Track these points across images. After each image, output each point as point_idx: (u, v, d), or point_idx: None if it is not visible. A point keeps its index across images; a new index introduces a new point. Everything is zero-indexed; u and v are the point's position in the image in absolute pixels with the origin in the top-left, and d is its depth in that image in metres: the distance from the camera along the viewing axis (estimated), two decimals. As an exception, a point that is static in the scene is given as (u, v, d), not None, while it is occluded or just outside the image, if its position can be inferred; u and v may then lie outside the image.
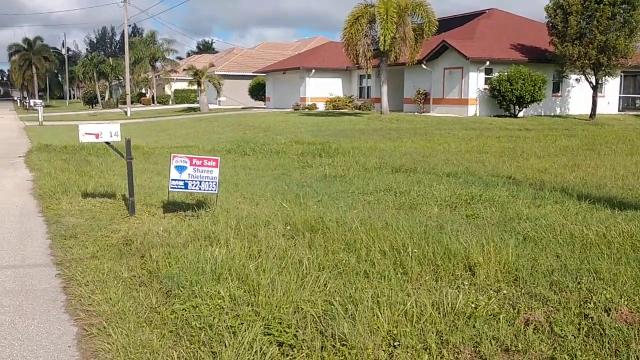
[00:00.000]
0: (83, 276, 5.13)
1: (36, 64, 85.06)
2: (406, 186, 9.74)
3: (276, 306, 4.13)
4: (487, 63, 29.83)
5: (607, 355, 3.51)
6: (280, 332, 3.76)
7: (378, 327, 3.83)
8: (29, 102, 61.99)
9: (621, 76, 32.79)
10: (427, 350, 3.57)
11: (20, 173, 12.32)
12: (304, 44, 62.24)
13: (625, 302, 4.21)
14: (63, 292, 4.89)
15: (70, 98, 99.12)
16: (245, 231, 6.18)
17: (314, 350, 3.57)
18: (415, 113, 32.01)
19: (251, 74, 50.54)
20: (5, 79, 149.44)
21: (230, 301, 4.25)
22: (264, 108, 45.16)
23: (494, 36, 32.27)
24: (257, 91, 48.80)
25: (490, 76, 29.96)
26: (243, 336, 3.65)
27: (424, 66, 31.86)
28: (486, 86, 30.05)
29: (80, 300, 4.63)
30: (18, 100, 79.42)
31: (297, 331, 3.79)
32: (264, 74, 47.02)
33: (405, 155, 15.28)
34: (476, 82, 30.29)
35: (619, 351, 3.55)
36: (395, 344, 3.65)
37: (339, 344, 3.62)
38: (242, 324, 3.85)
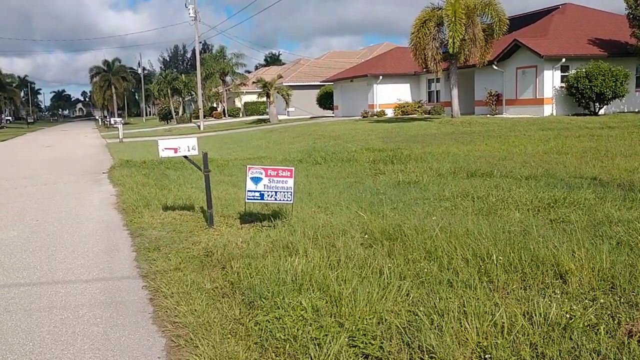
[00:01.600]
0: (168, 288, 5.26)
1: (115, 84, 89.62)
2: (484, 191, 9.45)
3: (359, 317, 4.06)
4: (563, 60, 28.67)
5: None
6: (366, 344, 3.69)
7: (467, 339, 3.68)
8: (109, 121, 65.11)
9: None
10: (522, 363, 3.40)
11: (105, 188, 12.89)
12: (370, 51, 62.10)
13: None
14: (150, 303, 5.02)
15: (146, 115, 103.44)
16: (323, 241, 6.15)
17: (402, 363, 3.48)
18: (488, 115, 31.18)
19: (318, 83, 50.93)
20: (87, 99, 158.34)
21: (313, 312, 4.21)
22: (332, 117, 45.35)
23: (569, 32, 31.01)
24: (325, 100, 49.11)
25: (566, 74, 28.77)
26: (328, 348, 3.60)
27: (495, 67, 31.01)
28: (562, 84, 28.86)
29: (166, 311, 4.74)
30: (99, 119, 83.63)
31: (382, 343, 3.70)
32: (331, 83, 47.26)
33: (480, 158, 14.86)
34: (551, 80, 29.16)
35: None
36: (486, 356, 3.49)
37: (427, 356, 3.51)
38: (326, 335, 3.80)
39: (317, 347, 3.67)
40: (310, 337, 3.80)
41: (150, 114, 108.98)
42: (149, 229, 7.93)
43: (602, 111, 28.20)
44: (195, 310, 4.62)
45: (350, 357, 3.55)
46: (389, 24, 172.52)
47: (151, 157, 17.52)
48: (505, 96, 31.83)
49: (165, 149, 8.06)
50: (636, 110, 29.75)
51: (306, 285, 4.73)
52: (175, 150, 8.08)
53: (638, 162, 12.19)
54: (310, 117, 47.10)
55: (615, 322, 3.89)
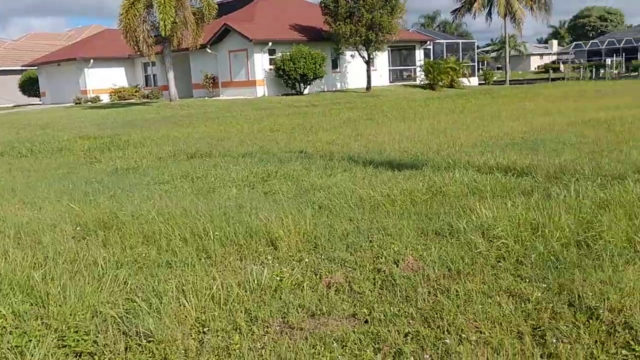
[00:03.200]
0: None
1: None
2: (203, 171, 9.61)
3: (70, 314, 3.77)
4: (270, 44, 30.58)
5: (399, 302, 3.83)
6: (77, 341, 3.45)
7: (186, 316, 3.72)
8: None
9: (389, 50, 35.99)
10: (238, 330, 3.56)
11: None
12: (78, 33, 57.49)
13: (410, 252, 4.65)
14: None
15: None
16: (27, 238, 5.56)
17: (118, 354, 3.34)
18: (206, 98, 31.72)
19: (20, 68, 45.39)
20: None
21: (15, 318, 3.77)
22: (40, 104, 41.00)
23: (274, 18, 33.14)
24: (30, 86, 44.03)
25: (274, 57, 30.79)
26: (32, 354, 3.27)
27: (208, 50, 31.60)
28: (271, 67, 30.83)
29: None
30: None
31: (97, 336, 3.51)
32: (35, 67, 42.59)
33: (200, 140, 15.05)
34: (261, 63, 30.92)
35: (409, 297, 3.90)
36: (204, 330, 3.57)
37: (145, 341, 3.44)
38: (30, 341, 3.44)
39: (19, 355, 3.30)
40: (10, 347, 3.40)
41: None
42: None
43: (306, 91, 30.98)
44: None
45: (60, 358, 3.28)
46: (96, 5, 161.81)
47: None
48: (221, 79, 32.73)
49: None
50: (333, 89, 33.44)
51: (5, 290, 4.21)
52: None
53: (336, 135, 13.75)
54: (13, 106, 41.80)
55: (318, 277, 4.33)
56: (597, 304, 3.54)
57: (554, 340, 3.20)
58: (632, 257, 4.23)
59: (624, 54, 55.97)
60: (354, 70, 33.90)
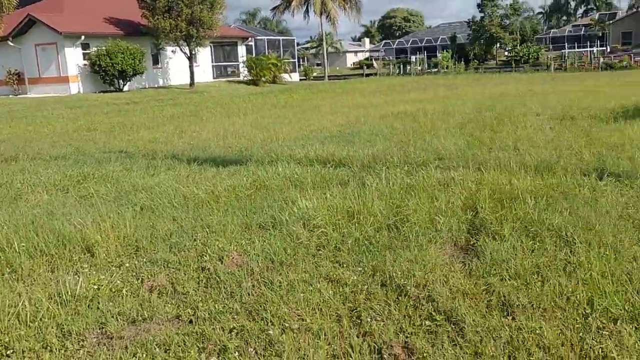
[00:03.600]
0: None
1: None
2: (7, 177, 8.70)
3: None
4: (83, 37, 28.61)
5: (224, 298, 3.82)
6: None
7: (-17, 341, 3.34)
8: None
9: (211, 46, 35.66)
10: (48, 347, 3.29)
11: None
12: None
13: (235, 248, 4.67)
14: None
15: None
16: None
17: None
18: (10, 96, 28.76)
19: None
20: None
21: None
22: None
23: (86, 9, 31.05)
24: None
25: (88, 51, 28.86)
26: None
27: (10, 43, 28.70)
28: (86, 62, 28.89)
29: None
30: None
31: None
32: None
33: (4, 142, 13.60)
34: (74, 58, 28.80)
35: (233, 292, 3.90)
36: (8, 352, 3.24)
37: None
38: None
39: None
40: None
41: None
42: None
43: (126, 87, 29.54)
44: None
45: None
46: None
47: None
48: (27, 75, 29.93)
49: None
50: (155, 85, 32.31)
51: None
52: None
53: (159, 133, 13.31)
54: None
55: (139, 281, 4.16)
56: (405, 282, 3.86)
57: (369, 320, 3.43)
58: (434, 237, 4.68)
59: (425, 52, 61.73)
60: (176, 66, 33.05)
